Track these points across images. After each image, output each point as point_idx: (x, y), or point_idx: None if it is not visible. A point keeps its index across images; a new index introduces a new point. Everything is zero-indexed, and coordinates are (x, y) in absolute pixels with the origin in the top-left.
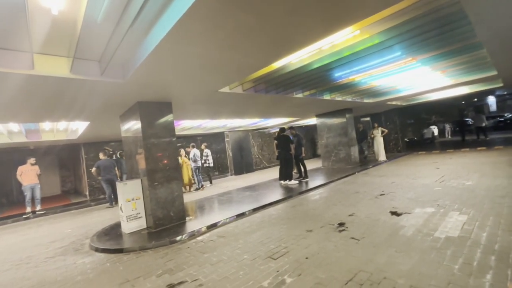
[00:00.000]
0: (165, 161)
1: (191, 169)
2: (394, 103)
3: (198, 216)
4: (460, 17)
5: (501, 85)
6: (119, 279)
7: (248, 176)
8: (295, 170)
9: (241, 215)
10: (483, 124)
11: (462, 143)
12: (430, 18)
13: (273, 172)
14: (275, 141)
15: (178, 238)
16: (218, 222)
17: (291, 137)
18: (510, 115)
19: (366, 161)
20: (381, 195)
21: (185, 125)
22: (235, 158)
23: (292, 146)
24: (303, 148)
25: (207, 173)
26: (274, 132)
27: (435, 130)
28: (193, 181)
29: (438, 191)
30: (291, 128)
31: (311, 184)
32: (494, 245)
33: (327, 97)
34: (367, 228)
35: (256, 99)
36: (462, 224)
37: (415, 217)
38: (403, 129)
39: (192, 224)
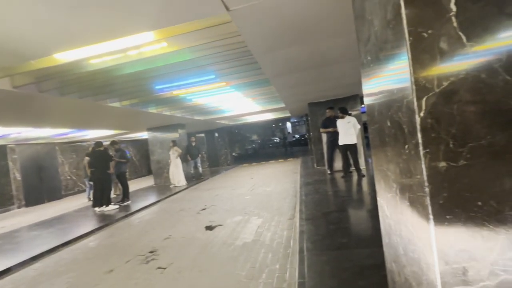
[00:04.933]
0: None
1: None
2: (222, 122)
3: None
4: (250, 55)
5: (289, 114)
6: None
7: (51, 205)
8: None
9: None
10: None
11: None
12: (230, 48)
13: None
14: (87, 158)
15: None
16: None
17: (114, 153)
18: (298, 136)
19: (200, 175)
20: (203, 209)
21: None
22: (28, 182)
23: (112, 164)
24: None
25: None
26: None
27: (255, 146)
28: None
29: (248, 199)
30: (113, 142)
31: (135, 207)
32: (273, 243)
33: (153, 110)
34: (179, 251)
35: (47, 102)
36: (256, 228)
37: (225, 228)
38: (232, 145)
39: None
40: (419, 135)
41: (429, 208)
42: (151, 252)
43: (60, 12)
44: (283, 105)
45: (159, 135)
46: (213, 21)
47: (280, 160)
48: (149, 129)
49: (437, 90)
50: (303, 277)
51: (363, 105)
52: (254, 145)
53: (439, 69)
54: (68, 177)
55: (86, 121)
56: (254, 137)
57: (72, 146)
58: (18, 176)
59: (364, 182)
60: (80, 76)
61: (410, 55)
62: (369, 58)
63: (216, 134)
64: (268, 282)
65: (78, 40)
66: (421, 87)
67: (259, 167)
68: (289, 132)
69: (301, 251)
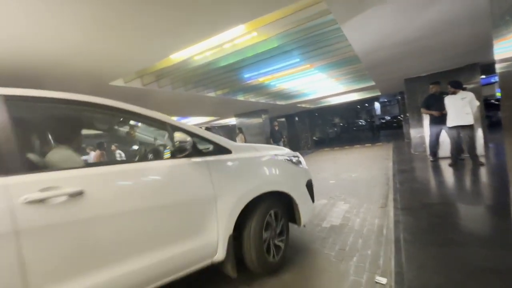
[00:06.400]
0: None
1: None
2: (303, 105)
3: None
4: (341, 33)
5: (379, 93)
6: None
7: None
8: None
9: None
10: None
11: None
12: (316, 29)
13: None
14: None
15: None
16: None
17: None
18: (389, 117)
19: None
20: None
21: None
22: None
23: None
24: None
25: None
26: None
27: (337, 130)
28: None
29: (332, 184)
30: (207, 129)
31: None
32: (363, 229)
33: (241, 97)
34: None
35: (163, 96)
36: (344, 213)
37: None
38: (312, 129)
39: None
40: None
41: None
42: None
43: (176, 21)
44: (372, 83)
45: (245, 120)
46: (302, 4)
47: (366, 145)
48: (237, 115)
49: None
50: (400, 267)
51: (483, 76)
52: (336, 129)
53: None
54: None
55: (189, 110)
56: (336, 120)
57: None
58: None
59: (482, 172)
60: (186, 72)
61: None
62: (507, 15)
63: (297, 118)
64: (359, 265)
65: (187, 41)
66: None
67: (342, 151)
68: (377, 114)
69: (397, 241)
